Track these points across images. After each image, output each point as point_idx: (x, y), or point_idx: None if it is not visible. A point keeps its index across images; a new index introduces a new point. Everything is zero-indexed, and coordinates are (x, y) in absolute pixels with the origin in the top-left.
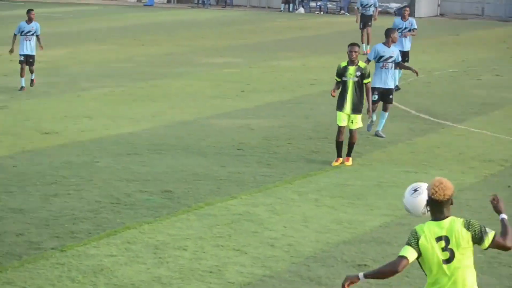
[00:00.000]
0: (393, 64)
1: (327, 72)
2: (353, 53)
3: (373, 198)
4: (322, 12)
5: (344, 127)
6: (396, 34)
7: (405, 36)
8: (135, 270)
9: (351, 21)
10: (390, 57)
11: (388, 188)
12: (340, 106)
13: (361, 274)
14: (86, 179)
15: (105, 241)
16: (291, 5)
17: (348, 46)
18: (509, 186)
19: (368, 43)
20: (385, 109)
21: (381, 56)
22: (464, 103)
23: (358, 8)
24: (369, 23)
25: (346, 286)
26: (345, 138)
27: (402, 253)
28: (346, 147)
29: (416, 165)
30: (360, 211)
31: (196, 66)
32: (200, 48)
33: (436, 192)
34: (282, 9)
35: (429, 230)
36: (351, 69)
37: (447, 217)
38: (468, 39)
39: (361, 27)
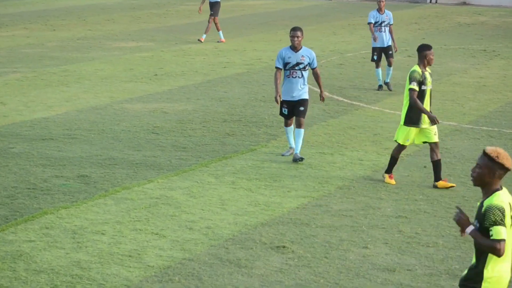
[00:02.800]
0: (302, 72)
1: (239, 55)
2: (432, 57)
3: (289, 180)
4: None
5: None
6: None
7: (383, 31)
8: (54, 255)
9: (262, 4)
10: (298, 63)
11: (304, 170)
12: (416, 120)
13: (471, 228)
14: (2, 165)
15: (23, 227)
16: None
17: (424, 48)
18: (424, 167)
19: (206, 32)
20: (298, 124)
21: (287, 63)
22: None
23: None
24: (211, 12)
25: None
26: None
27: (499, 236)
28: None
29: (331, 146)
30: (277, 193)
31: (108, 50)
32: (111, 33)
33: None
34: None
35: (506, 202)
36: (428, 75)
37: None
38: None
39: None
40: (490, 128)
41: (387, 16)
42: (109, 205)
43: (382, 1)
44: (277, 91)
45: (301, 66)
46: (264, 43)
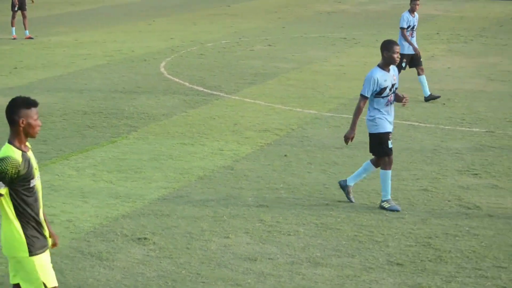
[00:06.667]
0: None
1: (100, 47)
2: None
3: (150, 171)
4: None
5: None
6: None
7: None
8: None
9: None
10: (393, 85)
11: (165, 161)
12: None
13: None
14: None
15: None
16: None
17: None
18: (285, 155)
19: (25, 28)
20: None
21: (383, 89)
22: (238, 74)
23: None
24: (20, 5)
25: None
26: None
27: None
28: None
29: (192, 137)
30: (138, 184)
31: None
32: None
33: None
34: None
35: None
36: None
37: None
38: (239, 10)
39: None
40: (350, 116)
41: (416, 19)
42: None
43: (418, 3)
44: (354, 129)
45: (395, 87)
46: (123, 34)
